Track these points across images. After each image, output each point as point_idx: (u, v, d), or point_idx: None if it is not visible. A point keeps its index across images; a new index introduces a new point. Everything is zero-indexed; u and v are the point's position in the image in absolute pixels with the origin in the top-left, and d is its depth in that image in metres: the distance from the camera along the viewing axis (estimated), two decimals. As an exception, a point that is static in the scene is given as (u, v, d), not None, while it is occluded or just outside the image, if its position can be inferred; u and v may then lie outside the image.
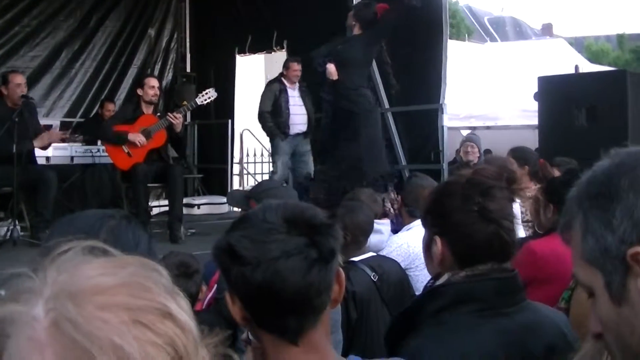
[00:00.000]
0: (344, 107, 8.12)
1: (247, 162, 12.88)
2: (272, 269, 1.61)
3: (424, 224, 2.39)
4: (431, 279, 2.43)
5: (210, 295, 4.24)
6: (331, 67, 8.13)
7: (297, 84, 9.71)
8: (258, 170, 12.89)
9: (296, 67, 9.67)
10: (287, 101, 9.56)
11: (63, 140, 9.22)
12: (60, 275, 0.93)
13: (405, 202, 5.30)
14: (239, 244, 1.65)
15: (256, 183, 4.33)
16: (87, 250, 0.98)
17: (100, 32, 12.77)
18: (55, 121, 10.66)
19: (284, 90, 9.59)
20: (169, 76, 13.09)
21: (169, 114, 8.63)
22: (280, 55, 11.80)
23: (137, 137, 8.54)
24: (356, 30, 8.37)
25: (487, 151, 11.03)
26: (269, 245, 1.63)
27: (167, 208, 9.03)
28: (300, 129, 9.63)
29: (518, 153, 6.34)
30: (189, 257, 4.11)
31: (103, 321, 0.88)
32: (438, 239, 2.27)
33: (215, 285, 4.07)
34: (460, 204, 2.24)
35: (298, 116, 9.63)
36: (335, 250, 1.68)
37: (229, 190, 12.23)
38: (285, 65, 9.82)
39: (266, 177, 12.50)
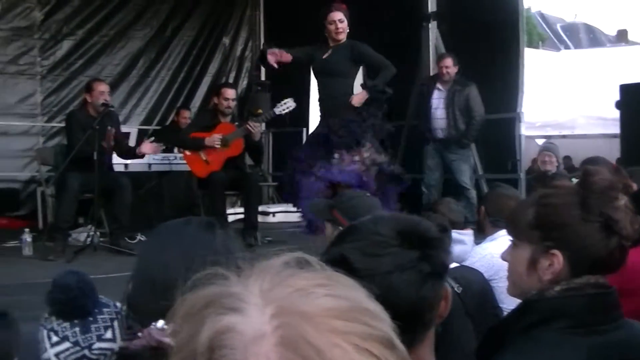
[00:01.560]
0: None
1: (321, 170, 12.86)
2: (387, 283, 1.57)
3: (526, 238, 2.27)
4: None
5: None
6: None
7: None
8: (332, 179, 12.86)
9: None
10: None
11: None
12: (271, 287, 0.89)
13: (489, 212, 5.22)
14: (352, 256, 1.62)
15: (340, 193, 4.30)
16: (294, 261, 0.95)
17: (176, 41, 12.93)
18: (132, 129, 10.81)
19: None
20: (243, 84, 13.17)
21: (248, 123, 8.68)
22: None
23: (214, 139, 8.61)
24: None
25: (567, 158, 10.88)
26: (382, 258, 1.59)
27: (242, 216, 9.07)
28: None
29: (593, 164, 6.20)
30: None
31: (336, 346, 0.84)
32: (559, 253, 2.15)
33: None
34: (581, 214, 2.12)
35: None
36: (447, 265, 1.65)
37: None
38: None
39: (339, 185, 12.47)
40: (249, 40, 13.61)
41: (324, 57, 7.98)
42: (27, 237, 8.29)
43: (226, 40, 13.36)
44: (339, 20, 7.80)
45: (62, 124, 11.05)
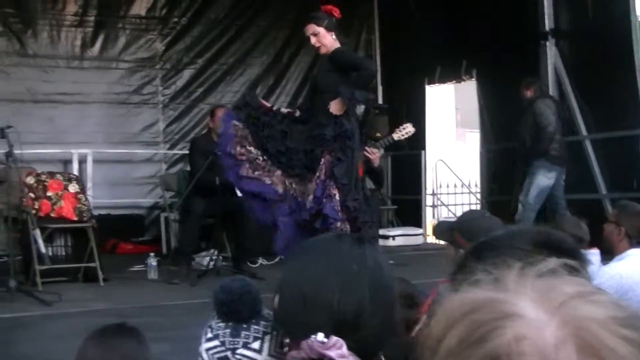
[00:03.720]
0: None
1: (441, 193, 12.79)
2: None
3: None
4: None
5: (418, 326, 4.19)
6: None
7: None
8: (452, 202, 12.76)
9: None
10: None
11: None
12: (545, 293, 0.86)
13: (629, 231, 5.05)
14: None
15: (461, 214, 4.26)
16: (558, 267, 0.93)
17: (293, 67, 13.07)
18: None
19: None
20: (361, 108, 13.16)
21: (366, 148, 8.68)
22: (469, 85, 11.72)
23: None
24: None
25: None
26: None
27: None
28: None
29: None
30: (408, 286, 4.07)
31: (632, 354, 0.81)
32: None
33: (425, 317, 4.01)
34: None
35: None
36: (589, 276, 1.60)
37: (423, 221, 12.21)
38: None
39: (460, 208, 12.37)
40: (365, 65, 13.64)
41: (314, 75, 7.46)
42: (153, 261, 8.49)
43: (343, 65, 13.42)
44: (312, 34, 6.98)
45: (184, 151, 11.31)
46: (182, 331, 5.59)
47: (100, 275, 7.99)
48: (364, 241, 1.86)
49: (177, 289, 7.75)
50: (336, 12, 7.17)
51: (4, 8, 11.37)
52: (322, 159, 6.73)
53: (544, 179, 9.24)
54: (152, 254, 8.71)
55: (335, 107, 6.74)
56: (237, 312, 2.25)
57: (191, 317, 6.08)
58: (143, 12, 12.26)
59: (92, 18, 11.93)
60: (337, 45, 7.03)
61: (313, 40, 6.98)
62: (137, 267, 9.12)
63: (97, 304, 6.96)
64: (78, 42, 11.90)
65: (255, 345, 2.21)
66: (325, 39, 6.94)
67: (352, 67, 6.98)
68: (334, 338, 1.63)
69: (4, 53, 11.41)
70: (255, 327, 2.24)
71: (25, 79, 11.54)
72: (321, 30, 6.94)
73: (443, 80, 12.41)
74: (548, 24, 10.13)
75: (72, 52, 11.87)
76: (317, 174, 6.70)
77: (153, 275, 8.45)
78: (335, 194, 6.64)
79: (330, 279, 1.70)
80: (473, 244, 1.85)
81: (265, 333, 2.22)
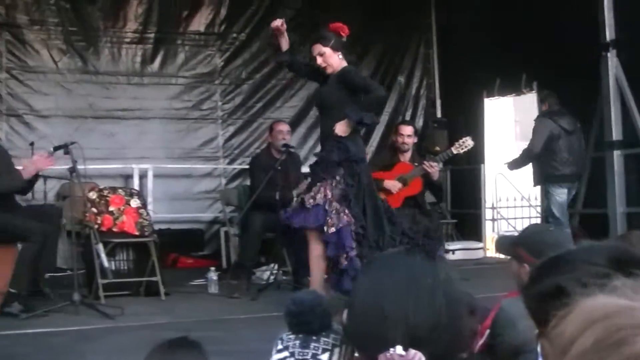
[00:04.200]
0: None
1: (500, 207, 12.67)
2: None
3: None
4: None
5: (482, 341, 4.14)
6: None
7: None
8: (512, 215, 12.64)
9: None
10: None
11: None
12: None
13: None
14: (570, 287, 1.57)
15: (524, 228, 4.20)
16: None
17: (352, 82, 13.05)
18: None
19: None
20: (419, 122, 13.15)
21: (425, 162, 8.66)
22: (530, 97, 11.61)
23: (393, 185, 8.62)
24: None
25: None
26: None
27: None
28: None
29: None
30: (472, 299, 4.03)
31: None
32: None
33: (488, 331, 3.97)
34: None
35: None
36: None
37: (483, 235, 12.11)
38: None
39: (520, 222, 12.25)
40: (423, 79, 13.61)
41: (320, 88, 7.28)
42: (213, 275, 8.55)
43: (401, 79, 13.42)
44: (319, 55, 6.92)
45: (243, 166, 11.38)
46: (243, 345, 5.62)
47: (162, 289, 8.06)
48: (434, 256, 1.86)
49: (238, 303, 7.78)
50: (344, 32, 7.12)
51: (67, 26, 11.56)
52: (321, 185, 6.73)
53: (560, 196, 9.41)
54: (212, 268, 8.77)
55: (340, 128, 6.74)
56: (307, 323, 2.27)
57: (251, 331, 6.11)
58: (202, 28, 12.37)
59: (152, 35, 12.07)
60: (344, 64, 6.99)
61: (319, 60, 6.93)
62: (197, 282, 9.18)
63: (159, 318, 7.01)
64: (138, 59, 12.04)
65: (324, 357, 2.22)
66: (332, 59, 6.90)
67: (362, 89, 6.96)
68: (413, 351, 1.62)
69: (67, 70, 11.60)
70: (325, 339, 2.26)
71: (87, 95, 11.71)
72: (327, 50, 6.89)
73: (503, 93, 12.29)
74: (609, 34, 9.98)
75: (133, 68, 12.02)
76: (313, 195, 6.72)
77: (213, 289, 8.50)
78: (349, 220, 6.61)
79: (405, 293, 1.71)
80: (546, 259, 1.83)
81: (334, 345, 2.23)
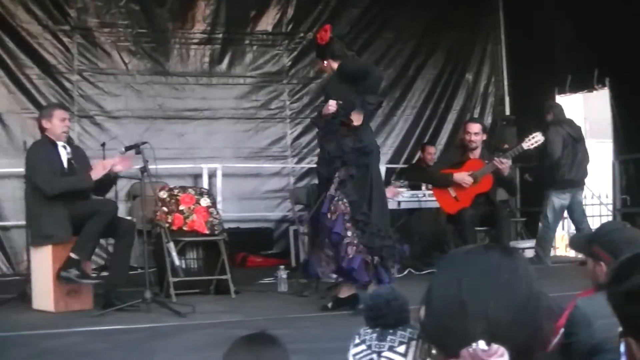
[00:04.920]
0: None
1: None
2: None
3: None
4: None
5: (556, 340, 4.08)
6: None
7: None
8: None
9: None
10: None
11: None
12: None
13: None
14: None
15: (598, 226, 4.12)
16: None
17: (419, 81, 13.01)
18: (380, 167, 10.94)
19: None
20: (488, 119, 13.02)
21: (496, 159, 8.58)
22: (600, 94, 11.42)
23: (463, 177, 8.57)
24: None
25: None
26: None
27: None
28: None
29: None
30: (546, 298, 3.98)
31: None
32: None
33: (562, 330, 3.91)
34: None
35: None
36: None
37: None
38: None
39: (590, 220, 12.07)
40: (491, 76, 13.47)
41: (324, 84, 7.52)
42: (283, 274, 8.57)
43: (469, 77, 13.30)
44: (320, 71, 7.24)
45: (311, 165, 11.38)
46: (313, 344, 5.61)
47: (232, 288, 8.12)
48: (515, 252, 1.84)
49: (307, 302, 7.79)
50: (319, 39, 7.40)
51: (136, 28, 11.71)
52: (337, 173, 6.89)
53: (557, 200, 9.93)
54: (281, 267, 8.79)
55: (354, 118, 6.94)
56: (383, 316, 2.29)
57: (322, 329, 6.12)
58: (269, 28, 12.41)
59: (219, 35, 12.15)
60: (337, 62, 7.18)
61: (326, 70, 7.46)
62: (266, 280, 9.23)
63: (229, 316, 7.05)
64: (206, 59, 12.13)
65: (401, 349, 2.24)
66: (328, 66, 7.27)
67: (361, 74, 7.12)
68: (495, 345, 1.61)
69: (137, 71, 11.74)
70: (402, 332, 2.28)
71: (157, 96, 11.85)
72: (320, 64, 7.52)
73: (574, 89, 12.09)
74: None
75: (201, 69, 12.12)
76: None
77: (283, 287, 8.53)
78: (343, 210, 6.78)
79: (485, 288, 1.68)
80: (629, 256, 1.80)
81: (410, 339, 2.24)
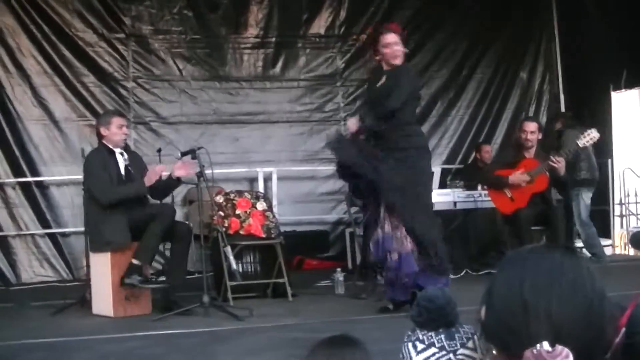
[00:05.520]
0: None
1: (629, 202, 12.32)
2: None
3: None
4: None
5: (617, 340, 4.03)
6: None
7: None
8: (641, 211, 12.29)
9: None
10: None
11: None
12: None
13: None
14: None
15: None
16: None
17: (473, 80, 12.93)
18: (435, 168, 10.87)
19: None
20: (543, 118, 12.90)
21: (552, 157, 8.50)
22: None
23: (518, 178, 8.50)
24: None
25: None
26: None
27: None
28: None
29: None
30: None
31: None
32: None
33: (624, 329, 3.85)
34: None
35: None
36: None
37: (612, 231, 11.80)
38: None
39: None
40: (546, 74, 13.33)
41: (378, 84, 7.04)
42: (339, 276, 8.57)
43: (523, 75, 13.18)
44: (394, 43, 6.85)
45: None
46: (373, 345, 5.53)
47: (289, 291, 8.15)
48: (577, 252, 1.83)
49: (365, 304, 7.78)
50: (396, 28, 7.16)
51: (190, 34, 11.81)
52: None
53: (588, 200, 10.34)
54: (338, 269, 8.80)
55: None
56: (445, 315, 2.31)
57: (380, 331, 6.09)
58: (322, 31, 12.43)
59: (272, 39, 12.20)
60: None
61: (397, 49, 6.90)
62: (323, 283, 9.23)
63: (287, 319, 7.06)
64: (260, 63, 12.19)
65: (470, 344, 2.26)
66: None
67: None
68: (560, 347, 1.62)
69: (191, 77, 11.84)
70: (463, 329, 2.29)
71: (211, 101, 11.94)
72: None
73: (630, 85, 11.93)
74: None
75: (255, 73, 12.18)
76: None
77: (340, 290, 8.53)
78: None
79: (548, 288, 1.69)
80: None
81: (472, 333, 2.27)
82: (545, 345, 1.62)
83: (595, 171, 10.43)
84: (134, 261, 7.29)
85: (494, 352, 1.81)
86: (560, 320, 1.65)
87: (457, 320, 2.33)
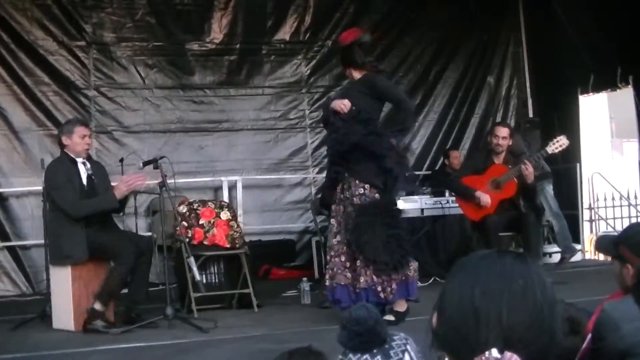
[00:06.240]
0: None
1: (598, 207, 12.30)
2: None
3: None
4: None
5: (584, 345, 3.93)
6: None
7: None
8: (610, 215, 12.27)
9: None
10: None
11: None
12: None
13: None
14: None
15: (625, 227, 3.98)
16: None
17: (440, 85, 12.88)
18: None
19: None
20: (511, 123, 12.85)
21: (526, 161, 8.42)
22: (625, 93, 11.23)
23: (483, 198, 8.43)
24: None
25: None
26: None
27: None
28: None
29: None
30: (575, 310, 3.81)
31: None
32: None
33: (590, 335, 3.75)
34: None
35: None
36: None
37: (581, 236, 11.77)
38: None
39: (619, 221, 11.90)
40: (513, 78, 13.30)
41: (342, 93, 7.30)
42: (306, 286, 8.50)
43: (491, 80, 13.14)
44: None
45: (332, 175, 11.24)
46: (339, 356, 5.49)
47: (254, 301, 8.05)
48: (527, 258, 1.81)
49: (332, 313, 7.66)
50: (342, 38, 7.42)
51: (153, 42, 11.63)
52: None
53: (550, 191, 10.81)
54: (304, 279, 8.70)
55: None
56: (377, 334, 2.34)
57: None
58: (287, 37, 12.30)
59: (237, 46, 12.04)
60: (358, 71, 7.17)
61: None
62: (289, 293, 9.16)
63: (253, 330, 7.00)
64: (224, 70, 12.04)
65: (406, 358, 2.27)
66: (349, 74, 7.33)
67: (391, 101, 7.29)
68: (509, 354, 1.60)
69: (154, 85, 11.66)
70: (395, 343, 2.31)
71: (175, 109, 11.77)
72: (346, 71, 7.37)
73: (597, 89, 11.92)
74: None
75: (219, 80, 12.02)
76: None
77: (306, 300, 8.44)
78: None
79: (498, 294, 1.67)
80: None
81: (405, 344, 2.30)
82: (494, 352, 1.61)
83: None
84: (96, 307, 7.15)
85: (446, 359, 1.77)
86: (511, 326, 1.64)
87: (387, 334, 2.30)
